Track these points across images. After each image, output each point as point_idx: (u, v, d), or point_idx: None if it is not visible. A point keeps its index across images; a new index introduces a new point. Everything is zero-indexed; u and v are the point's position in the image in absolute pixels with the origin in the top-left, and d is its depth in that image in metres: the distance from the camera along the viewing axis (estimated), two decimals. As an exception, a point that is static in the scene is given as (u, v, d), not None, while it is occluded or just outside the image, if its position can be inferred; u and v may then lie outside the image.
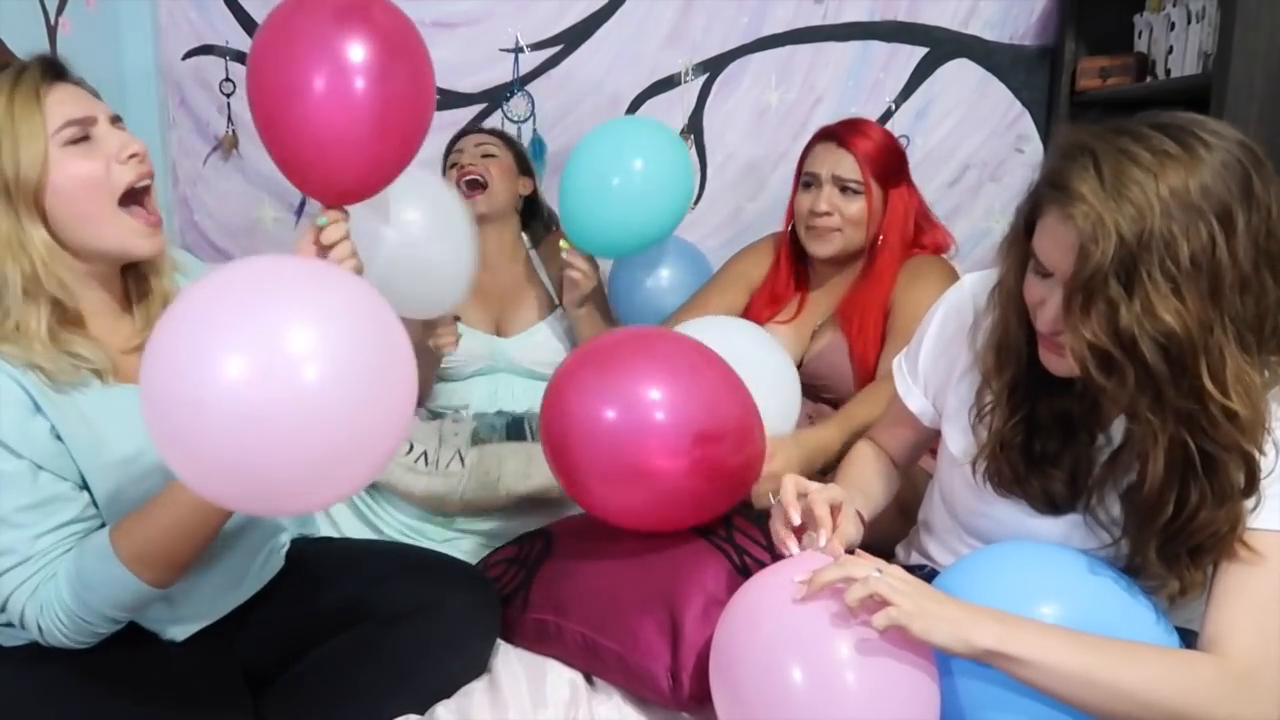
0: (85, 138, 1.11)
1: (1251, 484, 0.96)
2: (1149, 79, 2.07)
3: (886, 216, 1.76)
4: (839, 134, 1.77)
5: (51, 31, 2.01)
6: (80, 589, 1.07)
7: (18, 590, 1.07)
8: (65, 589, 1.07)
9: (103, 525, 1.12)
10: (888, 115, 2.37)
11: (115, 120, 1.15)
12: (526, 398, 1.94)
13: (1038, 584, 1.05)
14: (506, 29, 2.32)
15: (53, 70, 1.12)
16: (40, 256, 1.08)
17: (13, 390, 1.08)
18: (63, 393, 1.11)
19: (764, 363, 1.58)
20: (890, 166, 1.77)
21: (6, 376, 1.08)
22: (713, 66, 2.35)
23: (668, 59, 2.35)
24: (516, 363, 1.96)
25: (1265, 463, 0.96)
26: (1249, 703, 0.93)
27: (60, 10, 2.03)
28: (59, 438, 1.09)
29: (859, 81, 2.36)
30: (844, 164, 1.74)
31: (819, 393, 1.82)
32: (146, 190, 1.16)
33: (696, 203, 2.39)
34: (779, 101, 2.37)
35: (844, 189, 1.74)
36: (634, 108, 2.36)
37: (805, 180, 1.80)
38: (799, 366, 1.82)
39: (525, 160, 2.10)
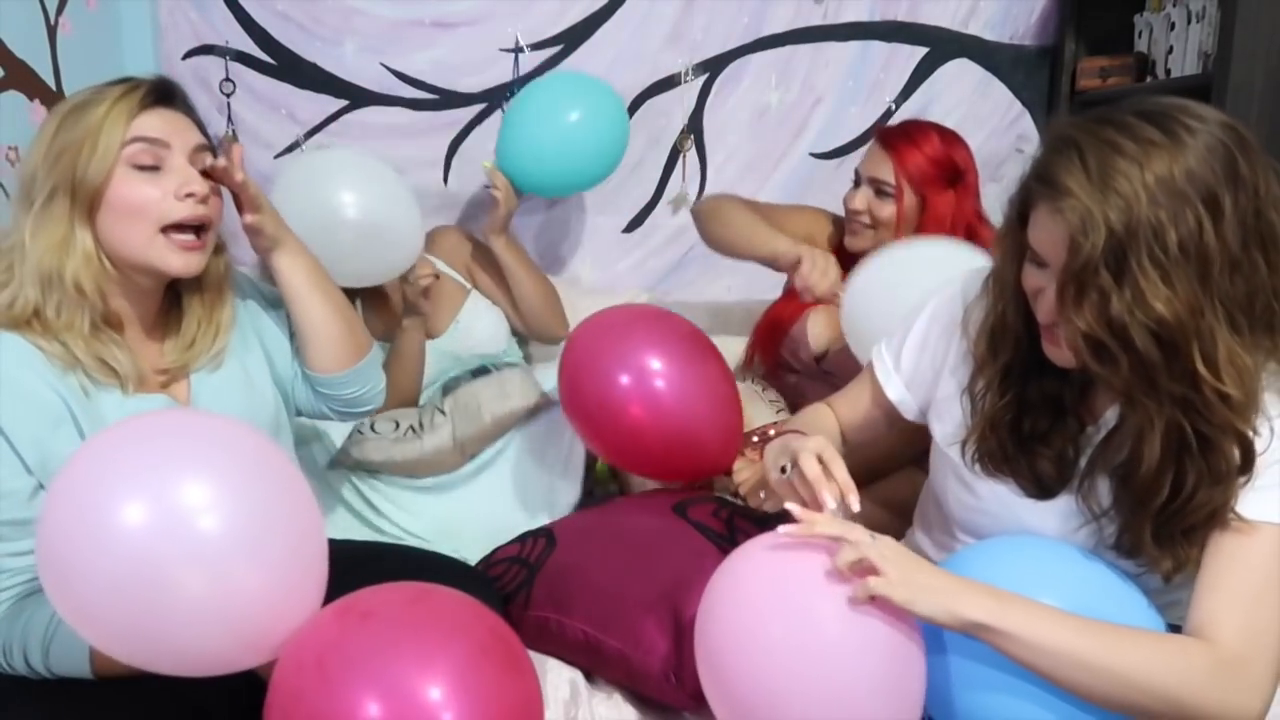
0: (155, 165, 1.14)
1: (1248, 462, 0.96)
2: (1149, 79, 2.07)
3: (925, 222, 1.76)
4: (886, 137, 1.80)
5: (51, 32, 2.00)
6: (51, 663, 1.06)
7: None
8: (36, 651, 1.06)
9: None
10: (888, 115, 2.37)
11: (202, 150, 1.18)
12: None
13: (1030, 576, 1.05)
14: (507, 29, 2.31)
15: (159, 93, 1.16)
16: (79, 260, 1.11)
17: (48, 401, 1.09)
18: (93, 397, 1.12)
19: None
20: (935, 175, 1.76)
21: (46, 386, 1.09)
22: (713, 66, 2.36)
23: (668, 59, 2.34)
24: (459, 355, 1.97)
25: (1259, 443, 0.96)
26: (1238, 691, 0.93)
27: (60, 10, 2.02)
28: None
29: (859, 81, 2.36)
30: (883, 167, 1.77)
31: (838, 384, 1.81)
32: (202, 228, 1.19)
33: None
34: (779, 101, 2.37)
35: (879, 191, 1.77)
36: (634, 108, 2.35)
37: (854, 177, 1.84)
38: (823, 357, 1.84)
39: None
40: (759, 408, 1.86)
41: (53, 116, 1.15)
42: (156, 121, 1.15)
